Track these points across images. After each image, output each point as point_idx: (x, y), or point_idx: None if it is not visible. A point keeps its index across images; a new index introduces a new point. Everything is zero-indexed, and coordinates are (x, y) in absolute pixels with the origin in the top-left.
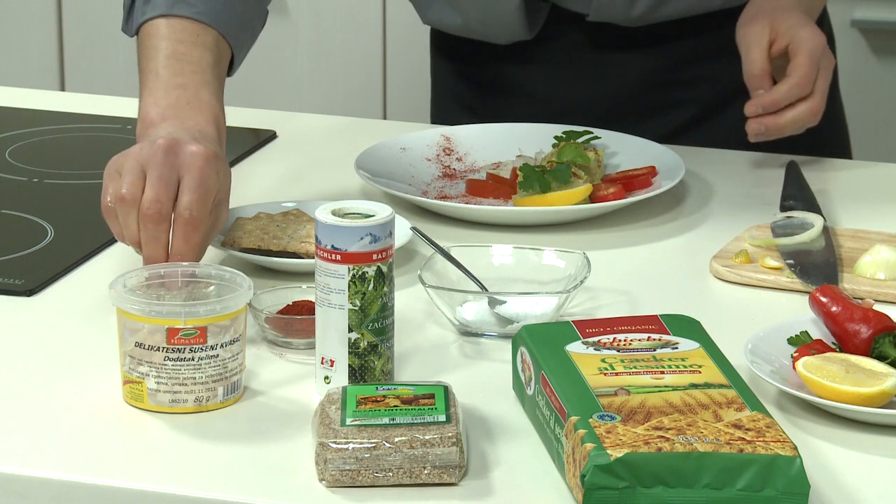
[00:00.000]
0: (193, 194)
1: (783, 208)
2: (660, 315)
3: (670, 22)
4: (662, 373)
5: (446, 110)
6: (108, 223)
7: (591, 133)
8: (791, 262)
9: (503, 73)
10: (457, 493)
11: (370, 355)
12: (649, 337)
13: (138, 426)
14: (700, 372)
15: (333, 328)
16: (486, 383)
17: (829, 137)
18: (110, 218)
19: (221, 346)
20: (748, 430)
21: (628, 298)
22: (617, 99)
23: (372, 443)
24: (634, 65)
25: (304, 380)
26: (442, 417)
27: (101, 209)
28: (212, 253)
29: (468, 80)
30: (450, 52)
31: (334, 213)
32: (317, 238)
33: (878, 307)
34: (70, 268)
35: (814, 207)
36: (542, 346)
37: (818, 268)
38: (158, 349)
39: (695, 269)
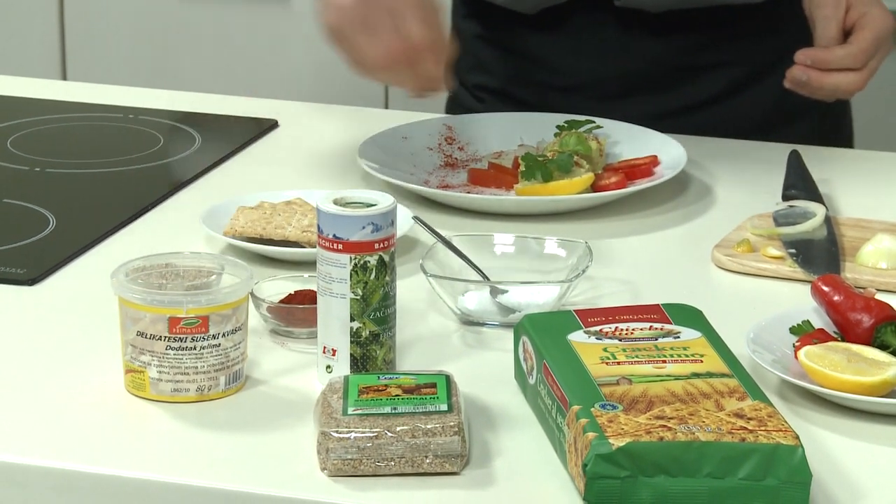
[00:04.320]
0: (418, 23)
1: (785, 197)
2: (661, 304)
3: (694, 9)
4: (664, 362)
5: (465, 72)
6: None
7: (593, 122)
8: (793, 251)
9: (527, 41)
10: (458, 483)
11: (372, 344)
12: (651, 326)
13: (140, 415)
14: (702, 361)
15: (335, 317)
16: (487, 373)
17: (832, 126)
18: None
19: (223, 335)
20: (750, 419)
21: (630, 288)
22: (635, 76)
23: (374, 432)
24: (657, 46)
25: (305, 369)
26: (444, 407)
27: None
28: (213, 242)
29: (492, 44)
30: (475, 15)
31: (336, 202)
32: (318, 227)
33: (880, 296)
34: (72, 257)
35: (816, 196)
36: (544, 335)
37: (820, 257)
38: (160, 338)
39: (697, 258)
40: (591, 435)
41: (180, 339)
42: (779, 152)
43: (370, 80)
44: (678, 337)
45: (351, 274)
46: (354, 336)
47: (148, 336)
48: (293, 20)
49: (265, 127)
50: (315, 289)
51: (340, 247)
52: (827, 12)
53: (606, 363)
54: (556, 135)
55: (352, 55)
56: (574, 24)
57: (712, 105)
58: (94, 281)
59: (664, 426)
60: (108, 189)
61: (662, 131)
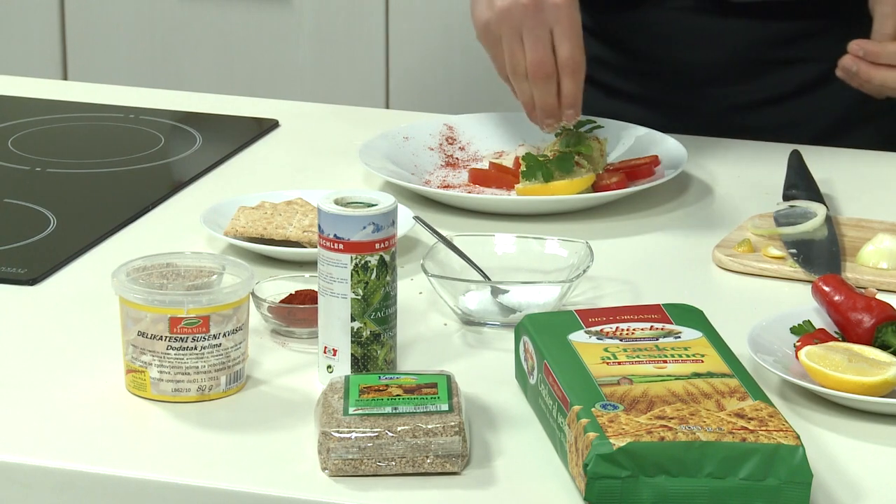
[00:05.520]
0: (570, 42)
1: (786, 197)
2: (662, 304)
3: (775, 2)
4: (665, 362)
5: None
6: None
7: (594, 122)
8: (794, 251)
9: (611, 25)
10: (459, 483)
11: (373, 344)
12: (652, 326)
13: (141, 415)
14: (703, 361)
15: (336, 317)
16: (488, 373)
17: None
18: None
19: (224, 335)
20: (751, 419)
21: (631, 288)
22: (714, 66)
23: (374, 432)
24: (737, 36)
25: (306, 369)
26: (444, 407)
27: (499, 74)
28: (214, 241)
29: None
30: None
31: (337, 202)
32: (319, 227)
33: (880, 296)
34: (73, 257)
35: (817, 196)
36: (545, 335)
37: (821, 257)
38: (161, 338)
39: (698, 258)
40: (591, 435)
41: (181, 339)
42: (779, 152)
43: (511, 87)
44: (679, 337)
45: (352, 274)
46: (355, 336)
47: (149, 336)
48: (293, 20)
49: (266, 127)
50: (316, 289)
51: (341, 247)
52: (886, 9)
53: (607, 363)
54: (556, 135)
55: (500, 59)
56: (657, 9)
57: (789, 101)
58: (94, 281)
59: (665, 426)
60: (109, 189)
61: (741, 124)
